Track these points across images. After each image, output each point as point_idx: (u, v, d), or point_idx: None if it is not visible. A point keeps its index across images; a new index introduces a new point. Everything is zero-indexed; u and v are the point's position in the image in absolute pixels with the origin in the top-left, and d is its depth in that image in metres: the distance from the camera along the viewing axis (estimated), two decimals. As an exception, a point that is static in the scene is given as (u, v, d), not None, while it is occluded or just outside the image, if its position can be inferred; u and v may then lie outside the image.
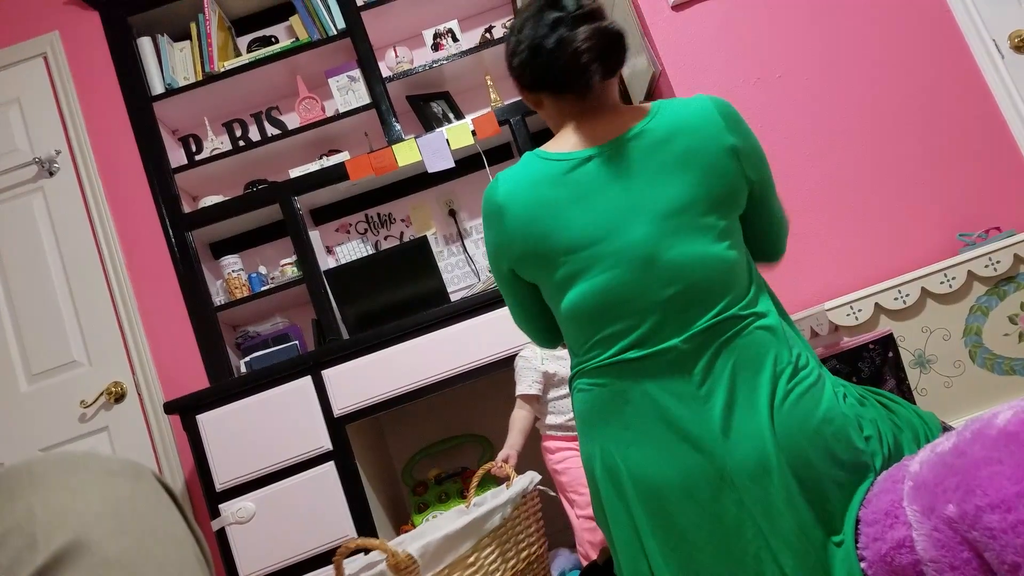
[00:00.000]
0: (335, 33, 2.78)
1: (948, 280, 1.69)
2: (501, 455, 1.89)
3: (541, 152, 1.16)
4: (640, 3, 2.16)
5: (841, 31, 2.11)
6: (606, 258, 1.07)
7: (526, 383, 1.96)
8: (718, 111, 1.10)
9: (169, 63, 2.83)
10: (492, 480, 2.30)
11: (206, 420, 2.20)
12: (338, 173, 2.66)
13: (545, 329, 1.31)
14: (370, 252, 2.86)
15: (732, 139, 1.09)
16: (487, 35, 2.91)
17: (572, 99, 1.15)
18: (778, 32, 2.11)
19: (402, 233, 2.92)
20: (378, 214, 2.94)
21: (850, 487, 1.00)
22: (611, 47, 1.09)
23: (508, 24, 2.92)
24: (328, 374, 2.23)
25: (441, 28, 2.88)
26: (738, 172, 1.09)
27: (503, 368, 2.20)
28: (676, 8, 2.15)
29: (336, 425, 2.20)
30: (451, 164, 2.63)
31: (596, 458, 1.13)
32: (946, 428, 1.16)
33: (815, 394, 1.04)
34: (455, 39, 2.86)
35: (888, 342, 1.40)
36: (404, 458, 2.66)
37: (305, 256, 2.62)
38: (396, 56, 2.84)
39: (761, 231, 1.20)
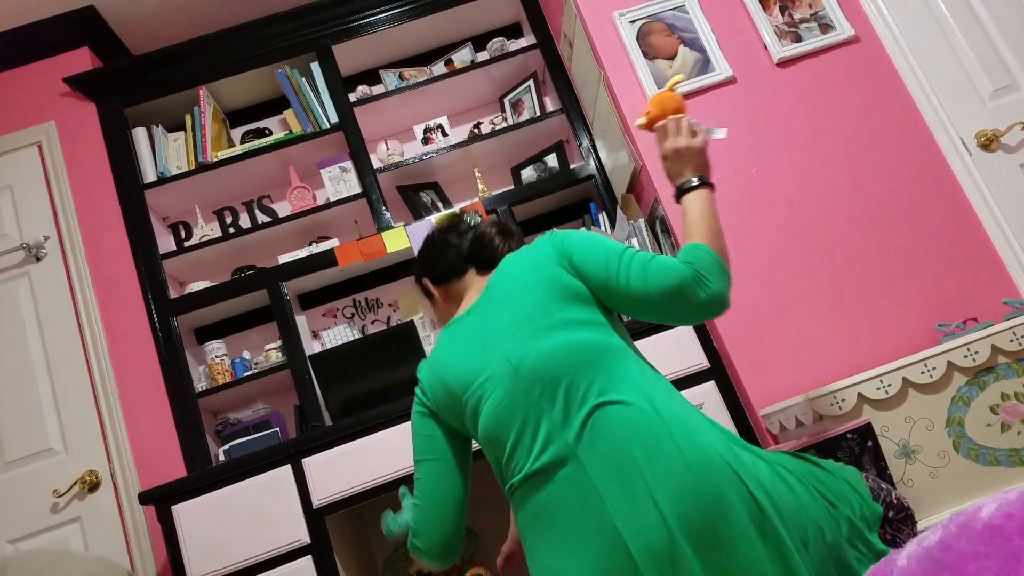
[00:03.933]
0: (328, 127, 2.87)
1: (929, 370, 1.71)
2: (505, 548, 1.70)
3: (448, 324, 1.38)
4: (621, 105, 2.27)
5: (814, 131, 2.21)
6: (487, 384, 1.21)
7: None
8: (546, 238, 1.31)
9: (163, 153, 2.90)
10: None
11: (181, 511, 2.13)
12: (327, 259, 2.69)
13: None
14: (357, 337, 2.86)
15: (552, 251, 1.28)
16: (475, 130, 3.02)
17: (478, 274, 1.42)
18: (752, 132, 2.21)
19: (389, 318, 2.93)
20: (366, 299, 2.95)
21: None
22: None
23: (495, 120, 3.04)
24: (308, 462, 2.18)
25: (431, 123, 2.98)
26: (566, 273, 1.25)
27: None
28: (656, 107, 2.25)
29: (315, 516, 2.13)
30: (439, 252, 2.67)
31: None
32: (881, 492, 1.16)
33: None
34: (444, 134, 2.96)
35: (867, 432, 1.40)
36: (386, 552, 2.58)
37: (290, 341, 2.62)
38: (387, 149, 2.93)
39: (631, 306, 1.23)
